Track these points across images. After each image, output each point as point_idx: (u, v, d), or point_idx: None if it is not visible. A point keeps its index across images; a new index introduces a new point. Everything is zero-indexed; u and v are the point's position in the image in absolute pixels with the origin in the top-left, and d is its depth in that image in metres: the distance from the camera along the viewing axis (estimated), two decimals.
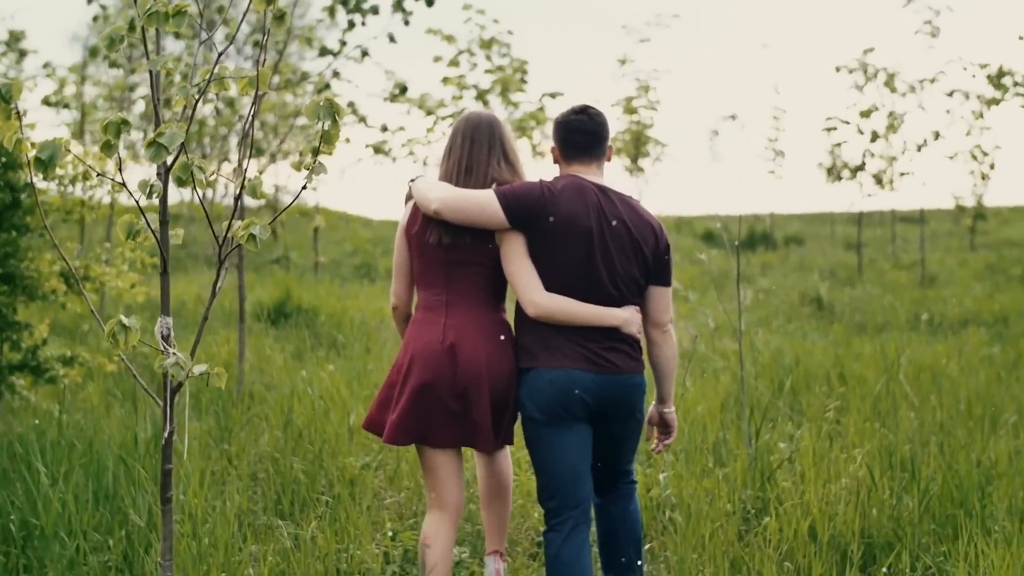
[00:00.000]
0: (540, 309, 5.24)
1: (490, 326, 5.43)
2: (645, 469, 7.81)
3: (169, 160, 4.52)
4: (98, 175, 4.63)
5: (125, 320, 4.51)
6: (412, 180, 5.55)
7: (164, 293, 4.74)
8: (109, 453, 7.36)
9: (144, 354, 11.32)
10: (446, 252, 5.39)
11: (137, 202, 4.59)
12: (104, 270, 9.21)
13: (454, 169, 5.49)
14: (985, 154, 24.56)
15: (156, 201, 4.72)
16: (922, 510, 6.75)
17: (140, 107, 17.41)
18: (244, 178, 4.58)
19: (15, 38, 18.50)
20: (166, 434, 4.73)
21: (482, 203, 5.24)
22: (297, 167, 4.70)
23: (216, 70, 4.67)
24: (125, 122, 4.42)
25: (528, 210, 5.25)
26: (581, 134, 5.47)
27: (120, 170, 4.52)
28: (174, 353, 4.57)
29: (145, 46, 4.63)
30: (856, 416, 9.11)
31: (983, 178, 25.90)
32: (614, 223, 5.30)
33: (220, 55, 4.65)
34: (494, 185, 5.42)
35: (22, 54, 18.64)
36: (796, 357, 11.48)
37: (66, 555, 6.16)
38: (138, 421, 8.38)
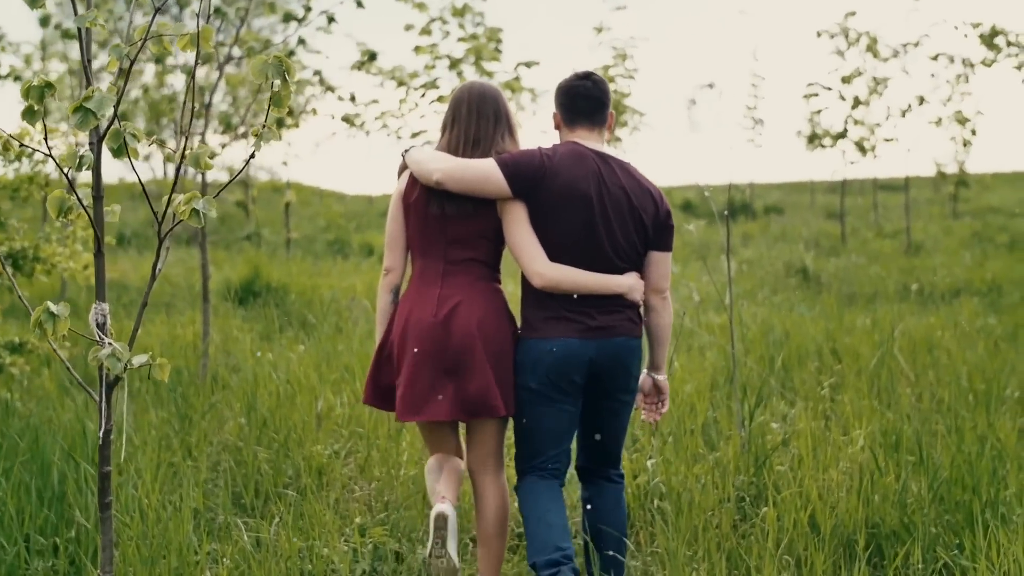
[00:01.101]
0: (545, 279, 5.24)
1: (485, 294, 5.38)
2: (631, 454, 7.37)
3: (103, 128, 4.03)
4: (21, 145, 4.13)
5: (53, 307, 4.03)
6: (406, 151, 5.49)
7: (99, 276, 4.26)
8: (56, 448, 6.87)
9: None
10: (447, 222, 5.36)
11: (66, 175, 4.11)
12: (56, 250, 8.68)
13: (460, 140, 5.43)
14: (967, 120, 24.07)
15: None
16: (931, 497, 6.30)
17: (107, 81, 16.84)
18: (184, 148, 4.10)
19: None
20: (102, 433, 4.24)
21: (484, 172, 5.23)
22: (256, 134, 4.22)
23: (154, 27, 4.17)
24: (49, 85, 3.92)
25: (529, 178, 5.24)
26: (584, 99, 5.47)
27: (46, 140, 4.04)
28: (110, 343, 4.07)
29: (73, 2, 4.14)
30: (852, 394, 8.68)
31: (965, 144, 25.43)
32: (614, 190, 5.31)
33: (157, 11, 4.16)
34: (494, 154, 5.36)
35: None
36: (785, 331, 11.04)
37: (6, 559, 5.72)
38: (90, 413, 7.88)
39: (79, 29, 4.10)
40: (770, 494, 6.45)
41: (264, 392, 8.57)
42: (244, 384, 8.91)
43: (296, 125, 19.13)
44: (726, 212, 7.59)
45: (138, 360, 4.19)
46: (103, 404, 4.23)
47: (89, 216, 4.18)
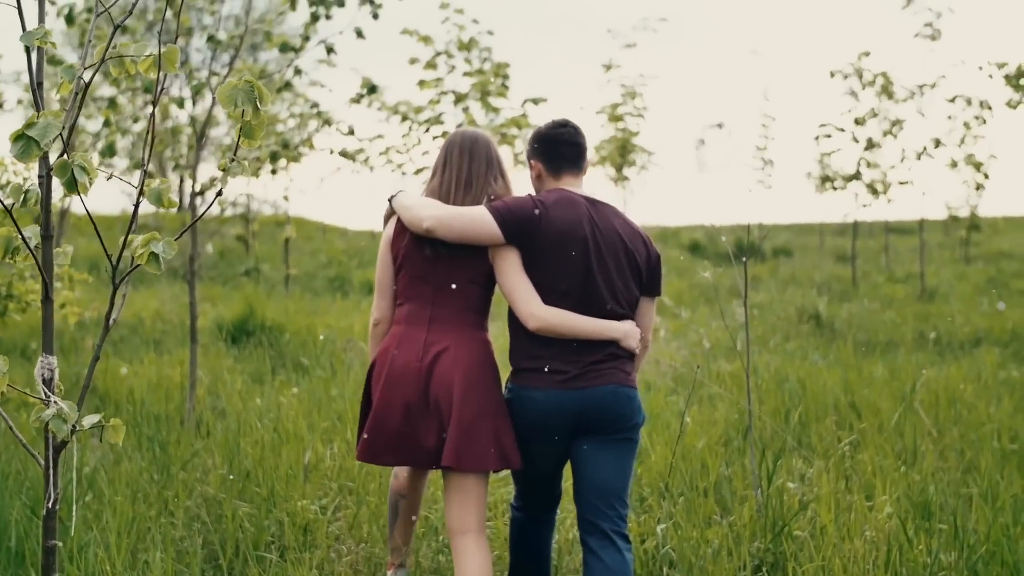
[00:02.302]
0: (541, 321, 5.12)
1: (472, 344, 5.27)
2: (639, 516, 6.88)
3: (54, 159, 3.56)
4: None
5: None
6: (392, 197, 5.41)
7: (46, 325, 3.78)
8: (15, 505, 6.38)
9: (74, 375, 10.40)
10: (437, 267, 5.27)
11: (9, 211, 3.63)
12: (32, 287, 8.19)
13: (452, 183, 5.36)
14: (981, 163, 23.56)
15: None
16: (967, 573, 5.79)
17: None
18: (143, 184, 3.63)
19: None
20: (48, 504, 3.75)
21: (476, 219, 5.13)
22: (223, 167, 3.75)
23: (117, 47, 3.71)
24: None
25: (523, 224, 5.15)
26: (568, 146, 5.43)
27: None
28: (56, 402, 3.59)
29: (20, 16, 3.68)
30: (874, 452, 8.17)
31: (977, 188, 24.95)
32: (608, 234, 5.23)
33: (116, 28, 3.70)
34: (486, 200, 5.31)
35: None
36: (800, 381, 10.54)
37: None
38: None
39: (27, 48, 3.63)
40: (791, 566, 5.95)
41: (249, 441, 8.09)
42: (228, 432, 8.42)
43: (294, 159, 18.75)
44: (744, 259, 7.10)
45: (88, 421, 3.72)
46: (49, 471, 3.75)
47: (36, 258, 3.70)
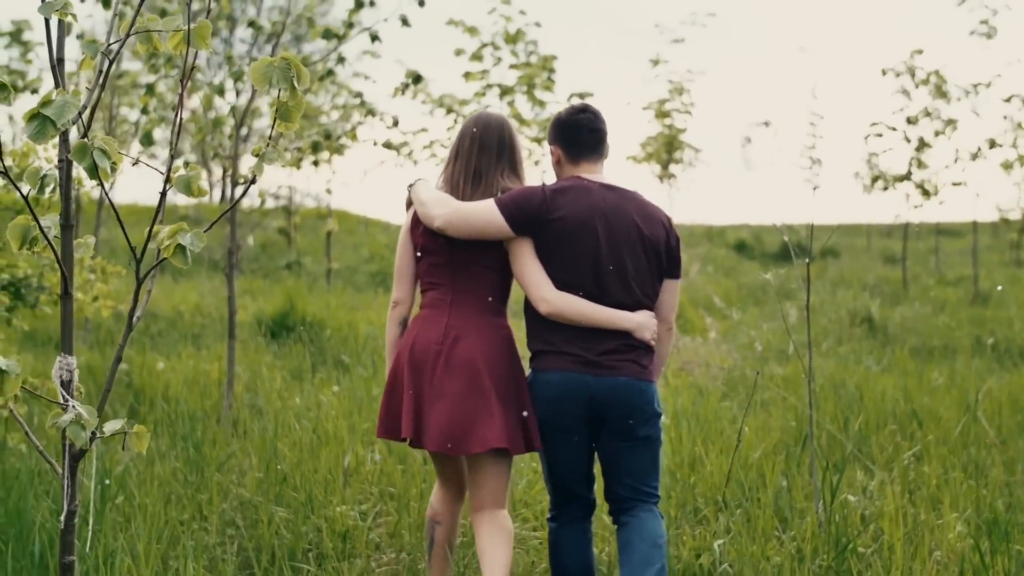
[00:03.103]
0: (551, 306, 5.14)
1: (491, 328, 5.30)
2: (694, 529, 6.54)
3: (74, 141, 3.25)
4: None
5: (3, 362, 3.25)
6: (410, 185, 5.45)
7: (66, 323, 3.48)
8: (41, 508, 6.09)
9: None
10: (453, 254, 5.29)
11: (26, 198, 3.33)
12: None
13: (461, 174, 5.39)
14: None
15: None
16: None
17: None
18: (170, 171, 3.32)
19: (19, 30, 17.16)
20: (64, 516, 3.44)
21: (485, 216, 5.15)
22: (257, 152, 3.45)
23: (141, 21, 3.41)
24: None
25: (531, 216, 5.16)
26: (588, 132, 5.40)
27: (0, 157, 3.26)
28: (74, 407, 3.29)
29: None
30: (937, 464, 7.80)
31: None
32: (624, 222, 5.21)
33: (142, 2, 3.38)
34: (498, 193, 5.30)
35: (26, 47, 17.28)
36: (858, 388, 10.16)
37: None
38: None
39: (46, 21, 3.32)
40: None
41: (287, 442, 7.80)
42: (266, 433, 8.12)
43: (337, 151, 18.44)
44: (807, 260, 6.74)
45: (110, 427, 3.42)
46: (66, 481, 3.45)
47: (54, 250, 3.40)
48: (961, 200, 63.41)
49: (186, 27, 3.31)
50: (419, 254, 5.38)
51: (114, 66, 12.06)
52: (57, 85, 3.34)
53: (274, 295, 16.41)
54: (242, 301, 16.20)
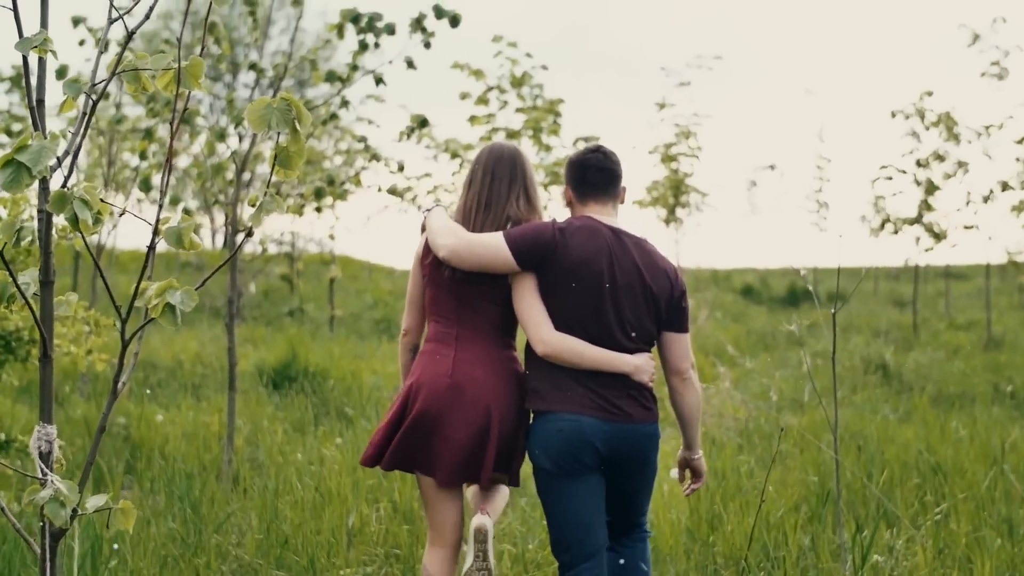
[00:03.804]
0: (549, 347, 5.07)
1: (499, 361, 5.28)
2: None
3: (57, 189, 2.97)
4: None
5: None
6: (427, 211, 5.42)
7: (44, 388, 3.19)
8: None
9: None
10: (458, 286, 5.26)
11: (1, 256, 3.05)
12: (56, 331, 7.59)
13: (473, 203, 5.36)
14: None
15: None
16: None
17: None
18: (158, 223, 3.03)
19: (20, 75, 16.89)
20: None
21: (491, 249, 5.10)
22: (253, 202, 3.16)
23: (129, 57, 3.13)
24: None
25: (538, 253, 5.11)
26: (597, 171, 5.34)
27: None
28: (54, 481, 3.00)
29: (17, 18, 3.10)
30: (966, 522, 7.47)
31: None
32: (627, 267, 5.16)
33: (132, 32, 3.12)
34: (509, 225, 5.28)
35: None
36: (877, 439, 9.85)
37: None
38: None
39: (24, 59, 3.03)
40: None
41: (288, 501, 7.49)
42: (266, 491, 7.81)
43: (340, 196, 18.14)
44: (833, 310, 6.44)
45: (93, 504, 3.13)
46: (46, 564, 3.15)
47: (32, 309, 3.11)
48: (970, 243, 63.07)
49: (177, 65, 3.02)
50: (427, 282, 5.37)
51: (114, 110, 11.75)
52: (36, 128, 3.06)
53: (276, 343, 16.12)
54: (244, 350, 15.92)
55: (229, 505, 7.74)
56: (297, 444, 9.66)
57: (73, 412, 10.62)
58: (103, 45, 3.25)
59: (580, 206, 5.39)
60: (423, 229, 5.42)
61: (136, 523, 7.14)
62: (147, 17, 3.14)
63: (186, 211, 10.91)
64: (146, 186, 9.84)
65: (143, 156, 9.92)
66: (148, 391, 12.54)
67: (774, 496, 7.79)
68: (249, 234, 3.14)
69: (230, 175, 9.88)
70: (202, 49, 3.31)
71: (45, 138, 2.87)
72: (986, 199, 20.67)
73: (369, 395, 12.01)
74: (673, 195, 22.77)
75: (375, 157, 10.56)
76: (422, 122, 9.33)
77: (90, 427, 10.00)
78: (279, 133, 2.96)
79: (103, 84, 3.10)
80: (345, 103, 9.35)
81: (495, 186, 5.34)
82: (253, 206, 3.05)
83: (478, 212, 5.32)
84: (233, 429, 9.01)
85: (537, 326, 5.10)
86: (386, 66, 9.06)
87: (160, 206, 3.11)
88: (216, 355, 15.24)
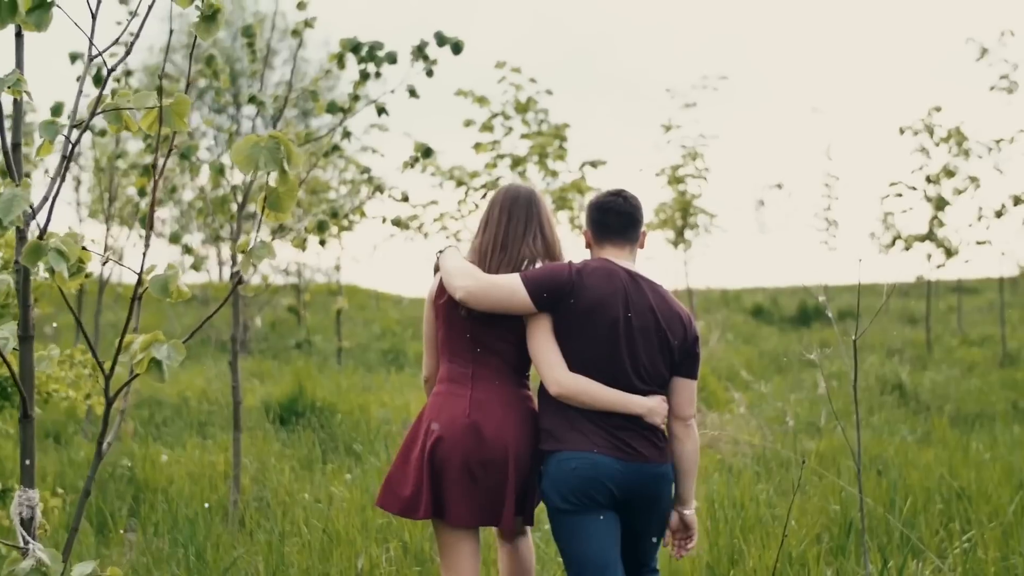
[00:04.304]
0: (563, 388, 5.05)
1: (516, 401, 5.25)
2: None
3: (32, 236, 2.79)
4: None
5: None
6: (440, 251, 5.42)
7: (25, 449, 3.00)
8: None
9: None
10: (473, 325, 5.23)
11: None
12: (56, 375, 7.41)
13: (489, 244, 5.34)
14: None
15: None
16: None
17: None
18: (142, 273, 2.85)
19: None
20: None
21: (508, 290, 5.08)
22: (242, 249, 2.97)
23: (111, 96, 2.95)
24: None
25: (554, 293, 5.08)
26: (615, 215, 5.35)
27: None
28: (36, 550, 2.81)
29: None
30: (994, 549, 7.26)
31: None
32: (642, 310, 5.14)
33: (112, 70, 2.93)
34: (525, 265, 5.28)
35: None
36: (897, 463, 9.63)
37: None
38: None
39: None
40: None
41: (296, 544, 7.28)
42: (273, 534, 7.61)
43: (345, 228, 17.94)
44: (855, 337, 6.23)
45: (79, 572, 2.93)
46: None
47: (9, 366, 2.92)
48: (982, 257, 62.80)
49: (158, 104, 2.84)
50: (439, 324, 5.35)
51: (115, 145, 11.55)
52: (10, 175, 2.87)
53: (283, 377, 15.92)
54: (250, 384, 15.72)
55: (236, 549, 7.53)
56: (305, 482, 9.45)
57: (76, 455, 10.42)
58: (81, 84, 3.07)
59: (598, 248, 5.39)
60: (436, 270, 5.41)
61: (140, 570, 6.96)
62: (127, 54, 2.96)
63: (186, 248, 10.73)
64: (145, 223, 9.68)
65: (142, 192, 9.75)
66: (154, 429, 12.34)
67: (795, 527, 7.57)
68: (239, 281, 2.96)
69: (234, 207, 9.70)
70: (187, 86, 3.13)
71: (17, 185, 2.69)
72: (998, 214, 20.46)
73: (378, 429, 11.80)
74: (681, 217, 22.60)
75: (379, 188, 10.39)
76: (426, 151, 9.15)
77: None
78: (268, 173, 2.78)
79: (83, 126, 2.92)
80: (347, 134, 9.18)
81: (511, 227, 5.34)
82: (243, 252, 2.87)
83: (494, 252, 5.30)
84: (239, 470, 8.81)
85: (551, 367, 5.07)
86: (388, 95, 8.90)
87: (144, 255, 2.93)
88: (222, 391, 15.03)
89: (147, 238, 2.99)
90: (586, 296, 5.08)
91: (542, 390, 5.22)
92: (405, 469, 5.27)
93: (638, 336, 5.11)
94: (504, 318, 5.19)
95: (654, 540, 5.30)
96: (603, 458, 5.01)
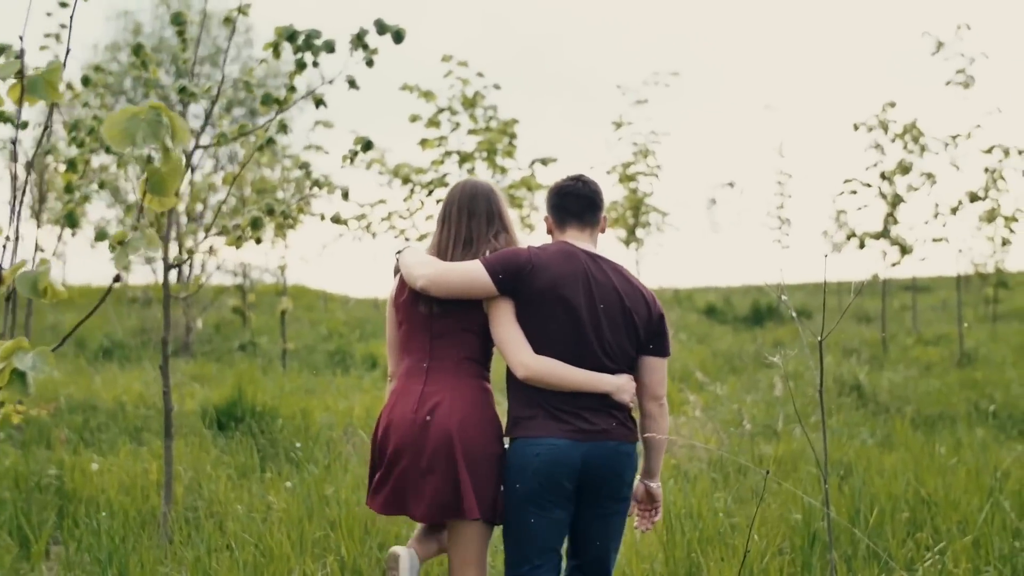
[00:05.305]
0: (529, 371, 5.07)
1: (468, 389, 5.24)
2: None
3: None
4: None
5: None
6: (399, 252, 5.44)
7: None
8: None
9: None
10: (433, 320, 5.27)
11: None
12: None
13: (450, 240, 5.38)
14: (1012, 218, 22.09)
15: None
16: None
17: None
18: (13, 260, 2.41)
19: None
20: None
21: (469, 274, 5.12)
22: (119, 240, 2.54)
23: None
24: None
25: (514, 274, 5.12)
26: (575, 198, 5.41)
27: None
28: None
29: None
30: (964, 560, 6.89)
31: (1004, 243, 23.44)
32: (605, 290, 5.19)
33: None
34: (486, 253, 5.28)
35: None
36: (860, 469, 9.27)
37: None
38: None
39: None
40: None
41: (226, 562, 6.84)
42: (199, 551, 7.15)
43: (288, 225, 17.49)
44: (820, 339, 5.83)
45: None
46: None
47: None
48: (937, 255, 62.87)
49: (20, 73, 2.40)
50: (400, 321, 5.40)
51: (44, 140, 11.10)
52: None
53: (224, 381, 15.41)
54: (190, 388, 15.21)
55: (163, 565, 7.07)
56: (242, 491, 8.99)
57: (1, 462, 9.90)
58: None
59: (559, 233, 5.45)
60: (396, 271, 5.46)
61: None
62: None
63: (112, 247, 10.23)
64: (72, 221, 9.21)
65: (68, 189, 9.28)
66: (89, 434, 11.84)
67: (756, 539, 7.19)
68: (116, 279, 2.53)
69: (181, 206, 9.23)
70: (64, 62, 2.70)
71: None
72: (954, 210, 20.20)
73: (319, 435, 11.33)
74: (633, 215, 22.35)
75: (317, 184, 9.95)
76: (366, 144, 8.69)
77: (19, 480, 9.30)
78: (149, 151, 2.34)
79: None
80: (283, 127, 8.71)
81: (474, 224, 5.37)
82: (121, 243, 2.43)
83: (455, 248, 5.34)
84: (171, 479, 8.33)
85: (516, 350, 5.09)
86: (327, 87, 8.45)
87: (14, 250, 2.49)
88: (160, 395, 14.52)
89: (15, 230, 2.56)
90: (545, 276, 5.12)
91: (509, 376, 5.21)
92: (373, 472, 5.37)
93: (602, 315, 5.14)
94: (466, 307, 5.23)
95: (614, 532, 5.28)
96: (566, 442, 5.03)
